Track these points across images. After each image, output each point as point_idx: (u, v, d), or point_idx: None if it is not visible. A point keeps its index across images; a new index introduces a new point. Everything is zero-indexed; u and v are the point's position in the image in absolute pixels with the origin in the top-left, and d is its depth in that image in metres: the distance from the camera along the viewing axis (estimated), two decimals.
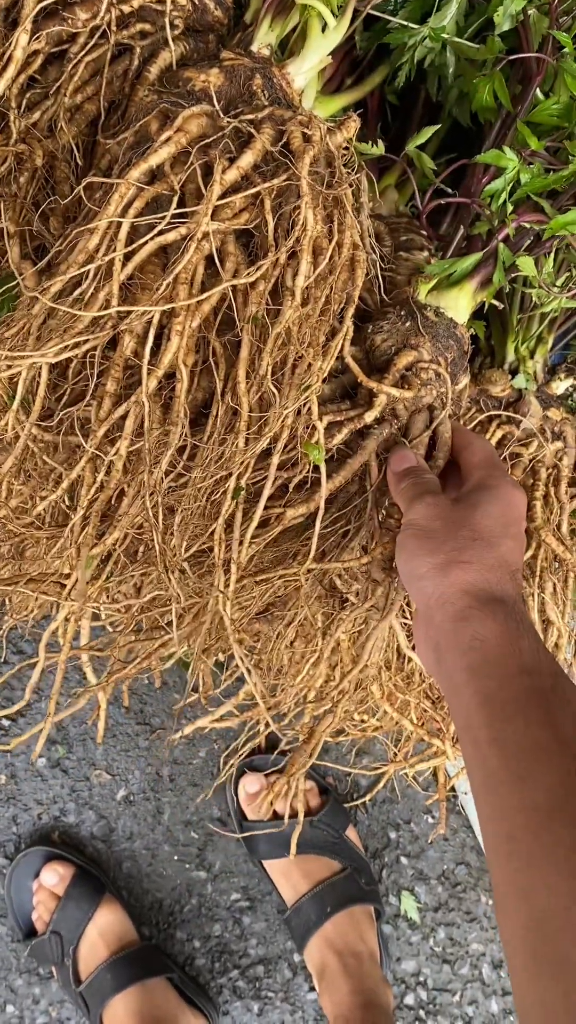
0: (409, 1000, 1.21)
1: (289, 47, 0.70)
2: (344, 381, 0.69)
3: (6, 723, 1.20)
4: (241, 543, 0.59)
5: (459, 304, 0.70)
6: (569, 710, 0.49)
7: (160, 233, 0.56)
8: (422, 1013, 1.21)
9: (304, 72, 0.65)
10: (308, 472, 0.64)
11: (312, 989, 1.20)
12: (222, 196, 0.57)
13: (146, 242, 0.55)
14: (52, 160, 0.67)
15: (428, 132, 0.72)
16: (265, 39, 0.67)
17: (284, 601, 0.76)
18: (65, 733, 1.21)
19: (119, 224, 0.56)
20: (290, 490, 0.65)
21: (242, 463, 0.57)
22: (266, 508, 0.61)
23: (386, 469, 0.67)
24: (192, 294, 0.56)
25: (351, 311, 0.62)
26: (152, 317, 0.55)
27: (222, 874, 1.21)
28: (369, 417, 0.64)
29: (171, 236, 0.56)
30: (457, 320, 0.70)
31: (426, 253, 0.80)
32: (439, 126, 0.74)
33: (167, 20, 0.66)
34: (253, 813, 1.18)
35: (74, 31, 0.64)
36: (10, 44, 0.61)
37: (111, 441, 0.61)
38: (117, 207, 0.56)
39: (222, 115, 0.60)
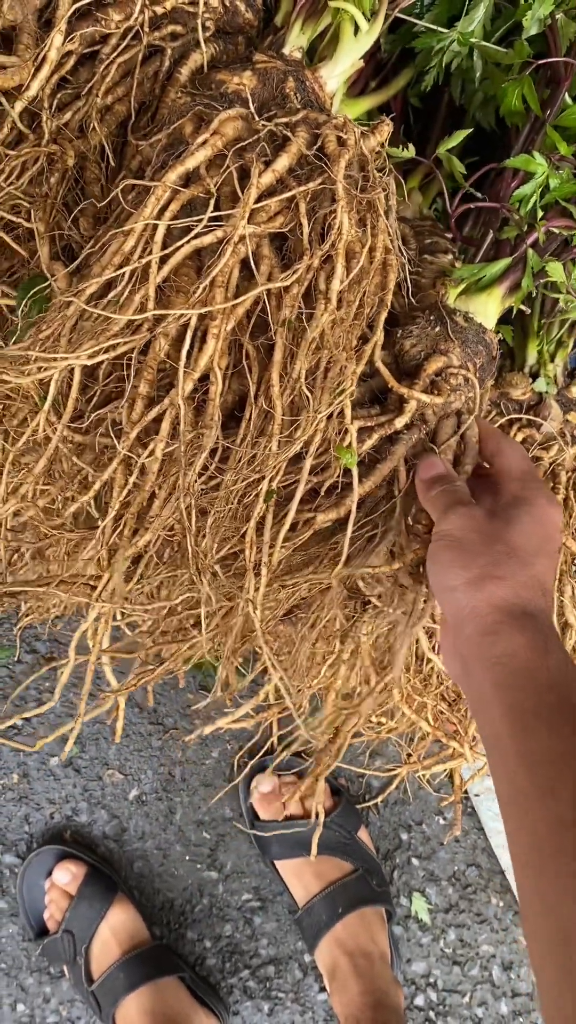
0: (419, 1001, 1.22)
1: (319, 51, 0.70)
2: (372, 385, 0.69)
3: (19, 722, 1.20)
4: (272, 546, 0.59)
5: (488, 309, 0.70)
6: None
7: (196, 236, 0.56)
8: (432, 1014, 1.21)
9: (337, 75, 0.65)
10: (338, 477, 0.64)
11: (322, 990, 1.20)
12: (258, 199, 0.57)
13: (182, 245, 0.55)
14: (83, 161, 0.67)
15: (460, 136, 0.72)
16: (297, 42, 0.67)
17: (308, 603, 0.77)
18: (78, 732, 1.21)
19: (155, 227, 0.56)
20: (320, 494, 0.65)
21: (275, 467, 0.57)
22: (296, 512, 0.61)
23: (414, 475, 0.67)
24: (228, 297, 0.56)
25: (383, 316, 0.62)
26: (189, 320, 0.55)
27: (233, 874, 1.21)
28: (399, 423, 0.65)
29: (207, 239, 0.56)
30: (486, 325, 0.70)
31: (450, 256, 0.81)
32: (471, 130, 0.74)
33: (199, 22, 0.66)
34: (266, 813, 1.19)
35: (107, 32, 0.64)
36: (45, 45, 0.61)
37: (142, 444, 0.61)
38: (153, 209, 0.56)
39: (257, 118, 0.60)
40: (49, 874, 1.16)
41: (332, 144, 0.60)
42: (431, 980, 1.22)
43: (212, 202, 0.57)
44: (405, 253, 0.72)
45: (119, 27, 0.64)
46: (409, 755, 1.02)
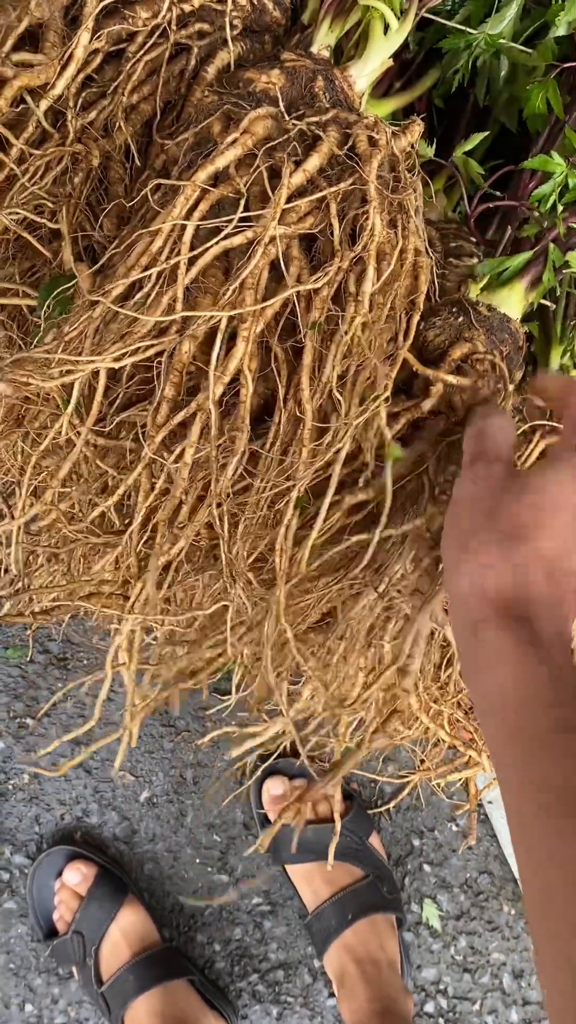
0: (429, 1008, 1.21)
1: (347, 50, 0.69)
2: (396, 378, 0.68)
3: (29, 722, 1.19)
4: (300, 546, 0.59)
5: (511, 303, 0.69)
6: None
7: (226, 237, 0.55)
8: (442, 1021, 1.20)
9: (366, 74, 0.64)
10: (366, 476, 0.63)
11: (331, 995, 1.19)
12: (288, 200, 0.56)
13: (212, 246, 0.55)
14: (107, 160, 0.66)
15: (476, 139, 0.71)
16: (325, 40, 0.66)
17: (339, 611, 0.76)
18: (90, 734, 1.20)
19: (183, 227, 0.55)
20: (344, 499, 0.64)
21: (305, 474, 0.56)
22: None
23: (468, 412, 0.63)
24: (257, 299, 0.55)
25: (416, 319, 0.61)
26: (219, 322, 0.54)
27: (244, 878, 1.21)
28: (426, 406, 0.63)
29: (237, 240, 0.55)
30: (510, 316, 0.69)
31: (475, 260, 0.80)
32: (487, 133, 0.73)
33: (227, 20, 0.65)
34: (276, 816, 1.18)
35: (134, 30, 0.63)
36: (72, 43, 0.60)
37: (167, 448, 0.60)
38: (182, 209, 0.55)
39: (287, 117, 0.59)
40: (59, 875, 1.15)
41: (363, 144, 0.59)
42: (441, 987, 1.22)
43: (242, 202, 0.56)
44: (432, 256, 0.71)
45: (146, 25, 0.63)
46: (423, 761, 1.01)
